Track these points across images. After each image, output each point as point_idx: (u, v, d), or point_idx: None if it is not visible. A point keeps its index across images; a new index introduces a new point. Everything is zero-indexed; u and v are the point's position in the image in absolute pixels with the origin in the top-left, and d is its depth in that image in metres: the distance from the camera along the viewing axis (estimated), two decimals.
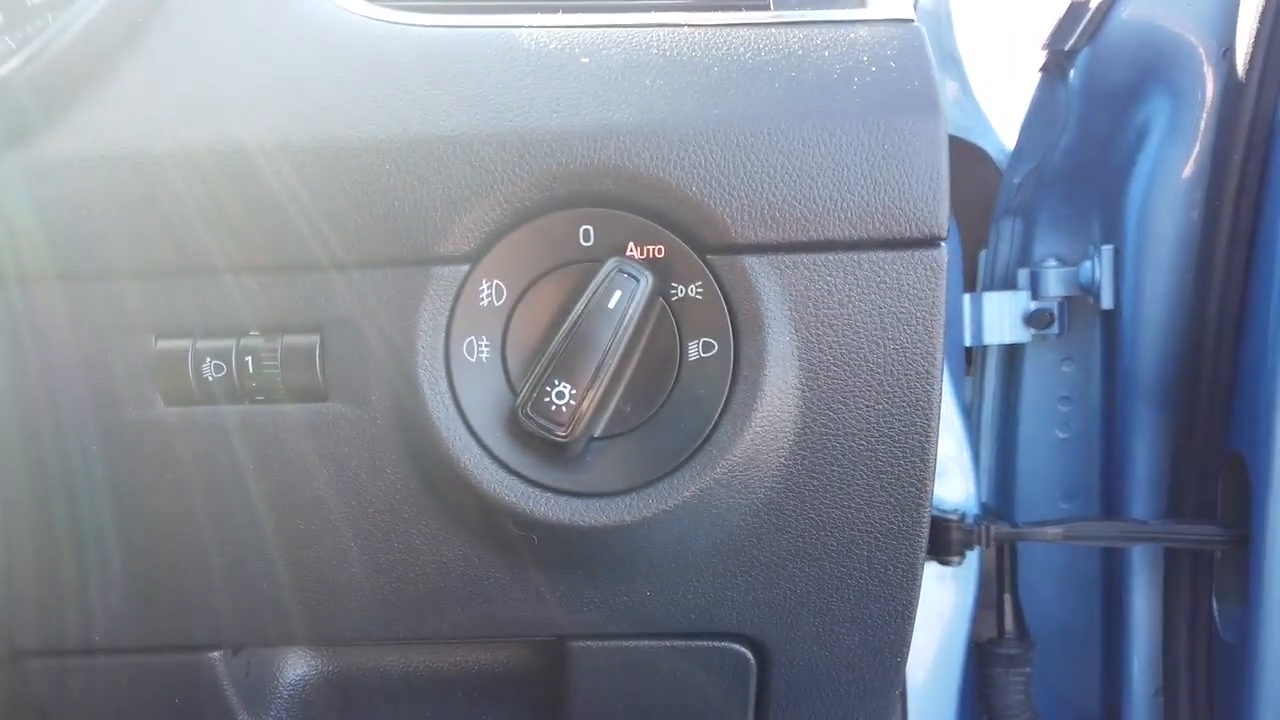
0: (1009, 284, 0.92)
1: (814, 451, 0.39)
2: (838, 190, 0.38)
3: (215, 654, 0.44)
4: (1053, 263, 0.88)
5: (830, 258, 0.38)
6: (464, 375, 0.40)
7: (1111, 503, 0.85)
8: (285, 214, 0.39)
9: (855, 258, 0.38)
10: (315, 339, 0.40)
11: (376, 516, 0.41)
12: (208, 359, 0.40)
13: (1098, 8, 0.75)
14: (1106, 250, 0.80)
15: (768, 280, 0.38)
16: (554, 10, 0.43)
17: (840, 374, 0.39)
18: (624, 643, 0.43)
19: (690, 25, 0.40)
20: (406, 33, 0.41)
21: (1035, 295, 0.88)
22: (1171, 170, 0.74)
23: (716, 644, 0.43)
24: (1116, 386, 0.82)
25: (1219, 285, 0.72)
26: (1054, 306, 0.88)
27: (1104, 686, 0.84)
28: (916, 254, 0.38)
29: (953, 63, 0.92)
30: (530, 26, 0.41)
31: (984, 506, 0.86)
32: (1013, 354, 0.92)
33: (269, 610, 0.43)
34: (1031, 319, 0.88)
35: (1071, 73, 0.80)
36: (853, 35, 0.39)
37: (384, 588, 0.42)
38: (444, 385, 0.40)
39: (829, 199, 0.38)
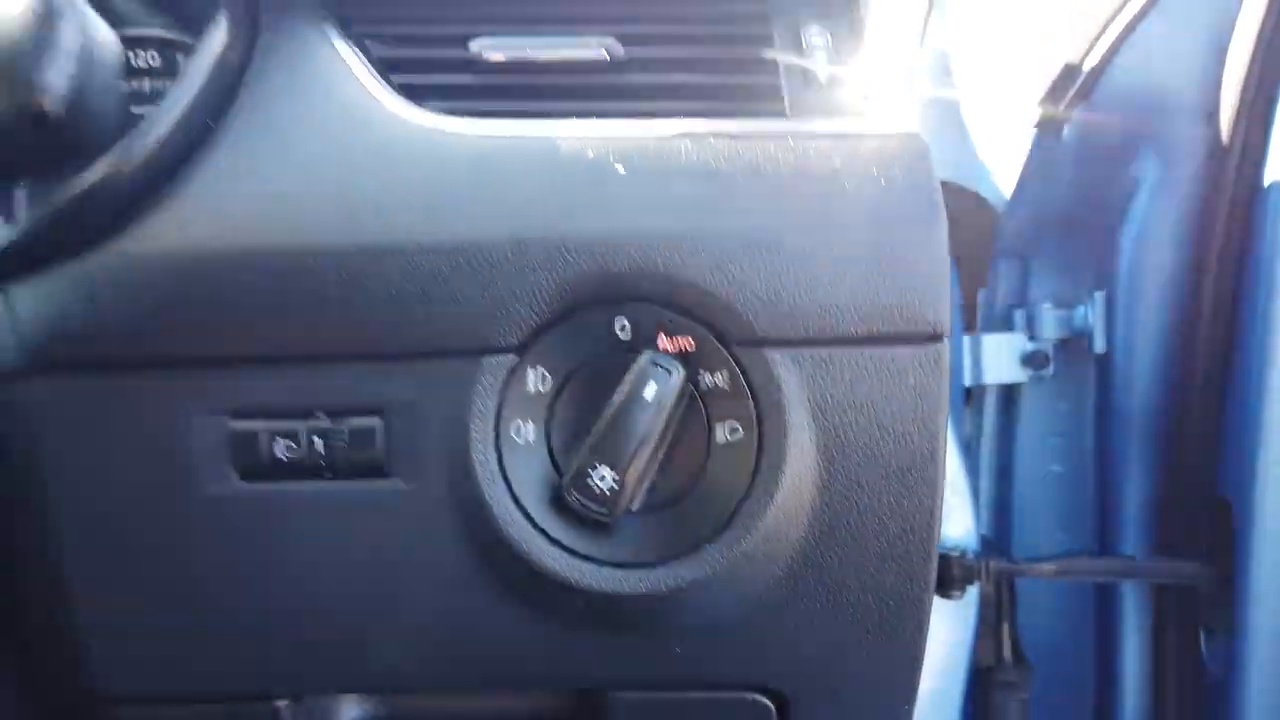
0: (1006, 322, 0.96)
1: (829, 527, 0.43)
2: (850, 291, 0.42)
3: (281, 702, 0.48)
4: (1048, 305, 0.92)
5: (845, 351, 0.42)
6: (512, 455, 0.44)
7: (1104, 536, 0.89)
8: (351, 308, 0.43)
9: (867, 352, 0.42)
10: (377, 421, 0.44)
11: (432, 581, 0.45)
12: (279, 439, 0.44)
13: (1090, 71, 0.79)
14: (1099, 297, 0.85)
15: (788, 371, 0.43)
16: (588, 116, 0.47)
17: (854, 456, 0.43)
18: (656, 694, 0.47)
19: (714, 136, 0.45)
20: (460, 141, 0.45)
21: (1032, 336, 0.92)
22: (1160, 225, 0.78)
23: (740, 695, 0.47)
24: (1109, 427, 0.87)
25: (1205, 337, 0.76)
26: (1049, 348, 0.92)
27: (1096, 713, 0.88)
28: (921, 348, 0.42)
29: (954, 115, 0.97)
30: (570, 136, 0.45)
31: (983, 538, 0.90)
32: (1010, 390, 0.97)
33: (332, 663, 0.47)
34: (1029, 360, 0.92)
35: (1065, 129, 0.84)
36: (863, 148, 0.44)
37: (438, 645, 0.46)
38: (494, 465, 0.44)
39: (843, 299, 0.42)
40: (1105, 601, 0.88)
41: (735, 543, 0.43)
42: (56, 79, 0.26)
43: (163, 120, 0.45)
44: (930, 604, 0.45)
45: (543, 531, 0.44)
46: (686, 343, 0.43)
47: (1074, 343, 0.92)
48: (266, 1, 0.51)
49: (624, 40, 0.50)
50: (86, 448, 0.45)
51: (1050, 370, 0.92)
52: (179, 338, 0.44)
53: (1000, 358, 0.92)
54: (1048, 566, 0.81)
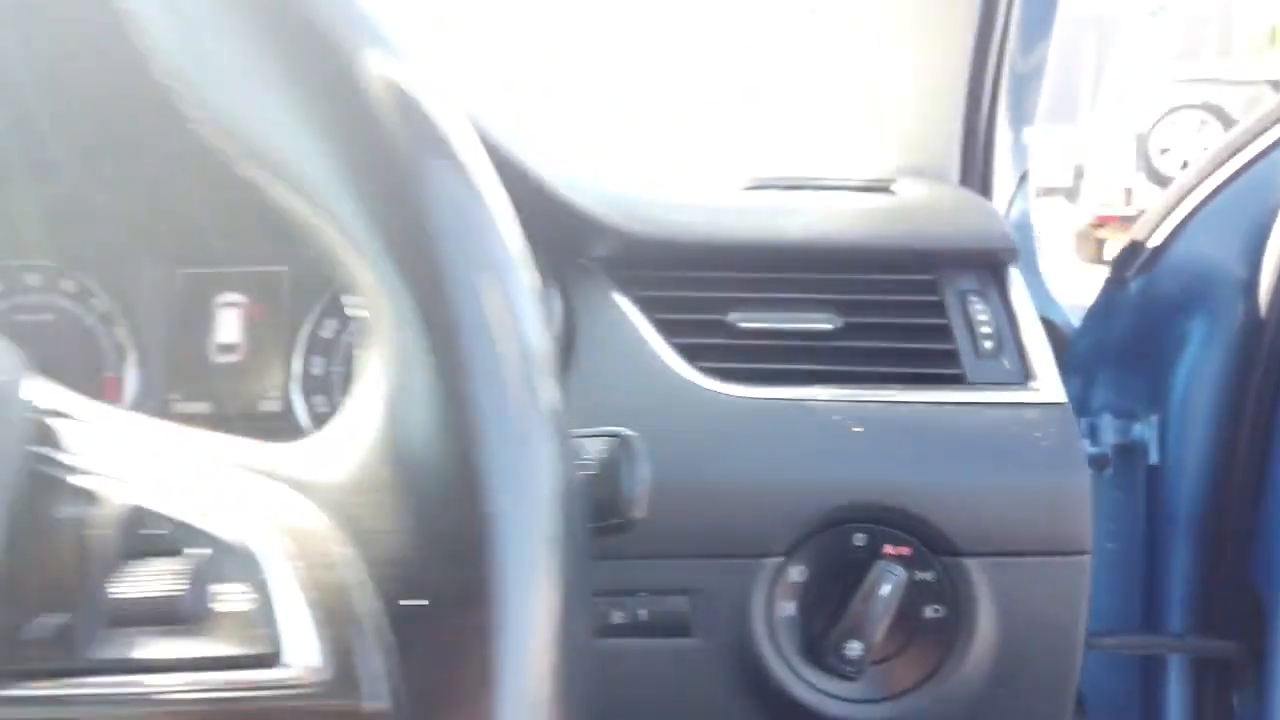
0: None
1: (1004, 675, 0.63)
2: (1020, 520, 0.62)
3: None
4: (1109, 415, 1.11)
5: (1017, 560, 0.62)
6: (780, 626, 0.63)
7: (1150, 610, 1.09)
8: (673, 529, 0.63)
9: (1032, 560, 0.62)
10: (685, 599, 0.64)
11: (718, 710, 0.65)
12: (614, 610, 0.64)
13: (1156, 248, 0.97)
14: (1154, 419, 1.04)
15: (979, 573, 0.62)
16: (819, 373, 0.66)
17: (1022, 629, 0.62)
18: None
19: (923, 403, 0.64)
20: (742, 404, 0.64)
21: (1094, 441, 1.11)
22: (1207, 373, 0.97)
23: None
24: (1157, 521, 1.06)
25: (1244, 460, 0.95)
26: (1109, 450, 1.11)
27: None
28: (1070, 558, 0.62)
29: (1033, 262, 1.15)
30: (818, 401, 0.64)
31: None
32: None
33: None
34: (1092, 461, 1.11)
35: (1131, 285, 1.03)
36: (1027, 415, 0.63)
37: None
38: (766, 631, 0.63)
39: (1015, 525, 0.62)
40: (1151, 665, 1.08)
41: (939, 686, 0.63)
42: (642, 497, 0.45)
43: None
44: None
45: (801, 678, 0.63)
46: (905, 550, 0.63)
47: (1129, 447, 1.11)
48: (572, 271, 0.70)
49: (840, 311, 0.69)
50: None
51: (1109, 470, 1.11)
52: None
53: None
54: (1110, 640, 1.01)
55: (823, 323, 0.68)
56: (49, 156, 0.78)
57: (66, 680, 0.28)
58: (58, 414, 0.33)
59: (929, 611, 0.63)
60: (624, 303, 0.69)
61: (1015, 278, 0.71)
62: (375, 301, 0.31)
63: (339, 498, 0.29)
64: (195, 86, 0.32)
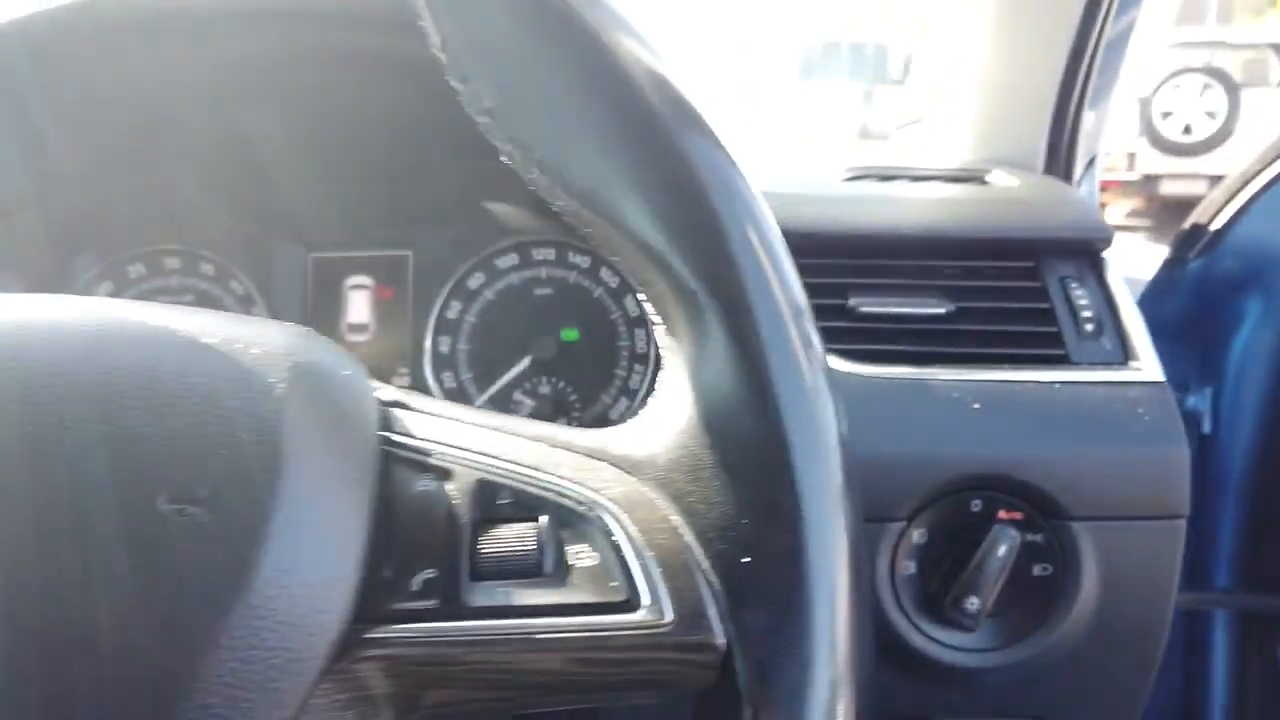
0: None
1: (1103, 626, 0.70)
2: (1123, 487, 0.68)
3: None
4: None
5: (1119, 523, 0.68)
6: (902, 584, 0.70)
7: (1194, 569, 1.16)
8: None
9: (1132, 524, 0.68)
10: None
11: None
12: None
13: (1217, 231, 1.03)
14: (1208, 391, 1.10)
15: (1084, 536, 0.68)
16: (930, 353, 0.72)
17: (1121, 585, 0.69)
18: None
19: (1035, 382, 0.70)
20: (868, 381, 0.70)
21: None
22: (1261, 348, 1.03)
23: None
24: (1208, 488, 1.13)
25: None
26: None
27: (1184, 705, 1.16)
28: (1167, 522, 0.68)
29: None
30: (938, 380, 0.70)
31: None
32: None
33: None
34: None
35: (1190, 265, 1.08)
36: (1130, 393, 0.69)
37: None
38: (889, 590, 0.70)
39: (1119, 492, 0.68)
40: (1195, 621, 1.16)
41: (1045, 637, 0.69)
42: None
43: None
44: (1156, 668, 0.71)
45: (919, 629, 0.70)
46: (1017, 515, 0.69)
47: (1182, 417, 1.17)
48: None
49: (950, 296, 0.75)
50: None
51: None
52: None
53: None
54: None
55: (935, 307, 0.74)
56: (190, 148, 0.82)
57: (450, 624, 0.33)
58: (398, 404, 0.38)
59: (1037, 570, 0.69)
60: None
61: (1111, 264, 0.76)
62: (673, 304, 0.36)
63: (663, 475, 0.35)
64: (505, 124, 0.37)
